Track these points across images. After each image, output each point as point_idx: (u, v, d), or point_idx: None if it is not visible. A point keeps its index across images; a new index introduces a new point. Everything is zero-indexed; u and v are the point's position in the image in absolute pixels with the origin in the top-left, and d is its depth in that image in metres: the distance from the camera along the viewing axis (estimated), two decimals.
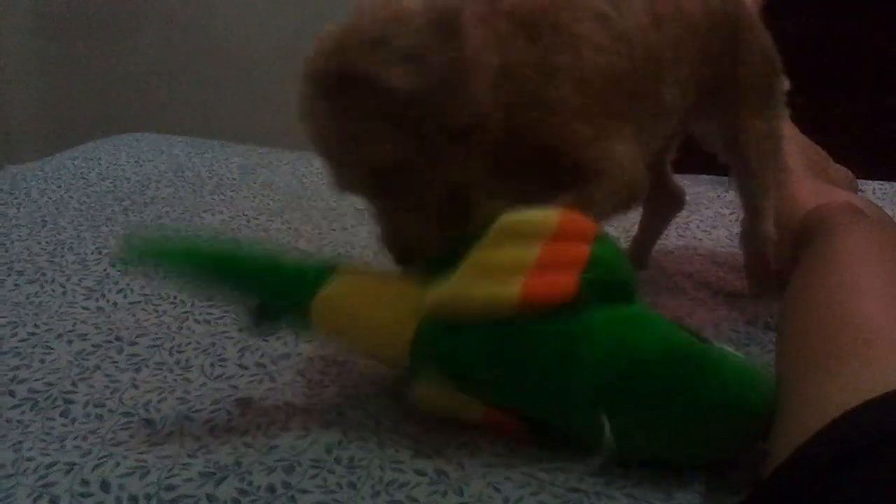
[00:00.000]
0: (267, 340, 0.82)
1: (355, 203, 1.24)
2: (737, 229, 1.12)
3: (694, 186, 1.32)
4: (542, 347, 0.62)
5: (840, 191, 1.09)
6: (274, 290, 0.69)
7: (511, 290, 0.61)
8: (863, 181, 1.31)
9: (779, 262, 0.97)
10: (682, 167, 1.13)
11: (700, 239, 1.14)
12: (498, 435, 0.67)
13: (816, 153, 1.24)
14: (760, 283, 0.95)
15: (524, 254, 0.61)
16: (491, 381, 0.64)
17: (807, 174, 1.15)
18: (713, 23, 0.85)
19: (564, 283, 0.61)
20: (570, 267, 0.62)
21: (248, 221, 1.16)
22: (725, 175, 1.36)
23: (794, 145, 1.23)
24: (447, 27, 0.63)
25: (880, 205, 1.12)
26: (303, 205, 1.23)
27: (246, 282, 0.70)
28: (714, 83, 0.88)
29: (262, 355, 0.80)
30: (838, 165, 1.26)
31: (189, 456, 0.65)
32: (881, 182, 1.35)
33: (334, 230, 1.14)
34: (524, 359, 0.62)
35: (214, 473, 0.62)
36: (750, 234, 0.95)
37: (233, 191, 1.29)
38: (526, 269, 0.61)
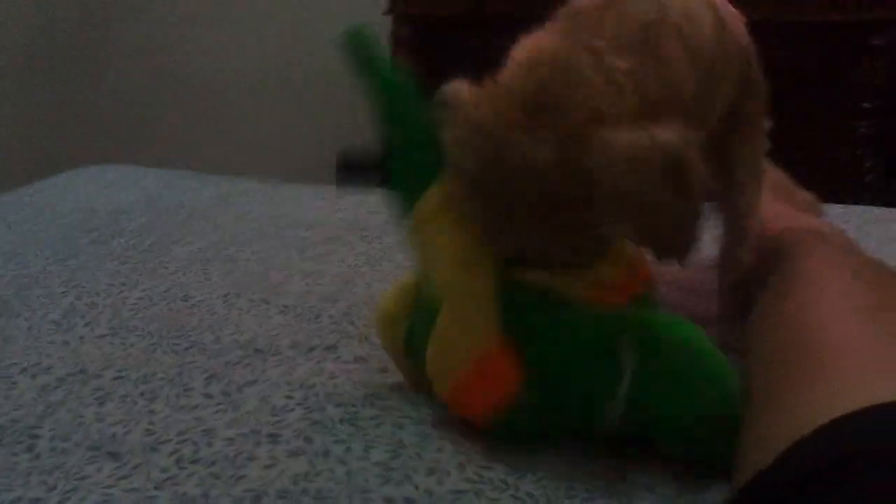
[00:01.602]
0: (233, 369, 0.82)
1: (325, 233, 1.24)
2: (703, 254, 1.13)
3: None
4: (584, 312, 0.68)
5: (804, 215, 1.10)
6: (406, 167, 0.71)
7: (581, 291, 0.68)
8: (827, 205, 1.33)
9: (726, 285, 0.98)
10: None
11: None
12: (469, 409, 0.69)
13: (780, 178, 1.26)
14: (732, 308, 0.96)
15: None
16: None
17: (771, 198, 1.16)
18: (736, 54, 0.86)
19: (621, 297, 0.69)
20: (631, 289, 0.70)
21: (218, 252, 1.15)
22: None
23: None
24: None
25: (843, 228, 1.13)
26: (273, 235, 1.23)
27: (402, 140, 0.71)
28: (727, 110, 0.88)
29: (228, 383, 0.79)
30: (802, 190, 1.27)
31: (156, 488, 0.64)
32: (845, 206, 1.37)
33: (304, 259, 1.14)
34: (566, 319, 0.68)
35: None
36: (729, 258, 0.95)
37: (203, 222, 1.28)
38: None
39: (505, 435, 0.69)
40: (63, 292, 1.01)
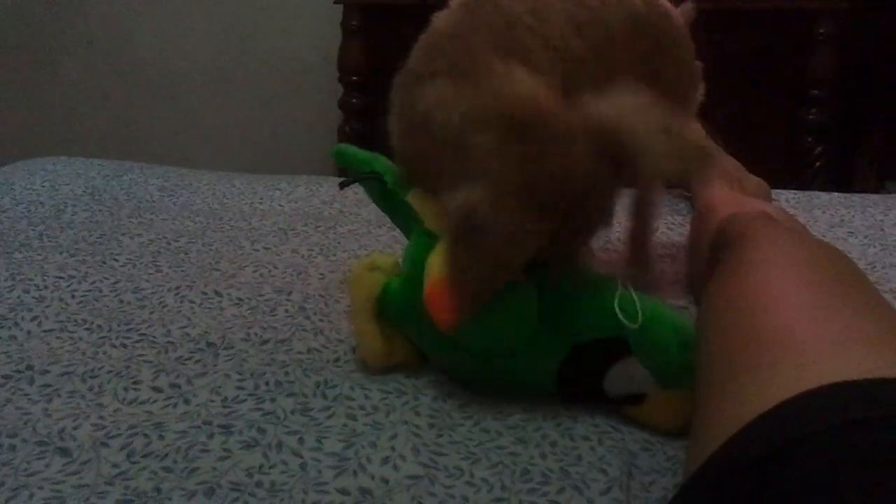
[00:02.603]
0: (185, 364, 0.81)
1: (278, 223, 1.23)
2: (654, 242, 1.15)
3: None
4: None
5: (754, 200, 1.11)
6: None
7: None
8: (777, 191, 1.35)
9: (694, 270, 0.99)
10: None
11: (620, 250, 1.15)
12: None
13: (731, 164, 1.27)
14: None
15: None
16: None
17: (722, 184, 1.18)
18: (637, 33, 0.87)
19: None
20: None
21: (168, 244, 1.14)
22: None
23: None
24: None
25: (793, 212, 1.15)
26: (224, 226, 1.22)
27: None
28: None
29: (178, 376, 0.78)
30: (752, 176, 1.29)
31: (106, 484, 0.63)
32: (794, 192, 1.38)
33: (256, 250, 1.12)
34: None
35: (133, 501, 0.61)
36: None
37: (152, 213, 1.26)
38: None
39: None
40: (10, 286, 0.98)
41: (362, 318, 0.79)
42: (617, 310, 0.71)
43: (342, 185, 0.89)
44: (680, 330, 0.73)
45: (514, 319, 0.73)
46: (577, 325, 0.74)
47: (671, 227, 1.22)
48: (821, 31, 2.04)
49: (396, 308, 0.78)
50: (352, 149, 0.90)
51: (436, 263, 0.73)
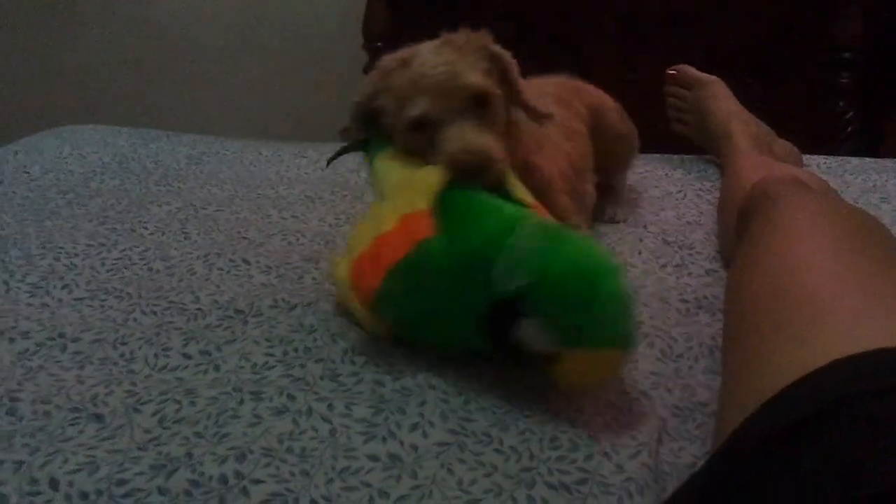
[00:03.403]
0: (214, 331, 0.81)
1: (305, 191, 1.23)
2: (683, 209, 1.14)
3: (642, 166, 1.33)
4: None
5: (784, 164, 1.10)
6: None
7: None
8: (808, 156, 1.33)
9: (724, 235, 0.98)
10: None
11: (649, 217, 1.14)
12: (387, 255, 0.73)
13: (762, 129, 1.26)
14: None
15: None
16: None
17: (752, 149, 1.16)
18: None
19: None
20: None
21: (196, 211, 1.14)
22: (675, 154, 1.37)
23: (741, 122, 1.25)
24: None
25: (825, 177, 1.13)
26: (251, 194, 1.22)
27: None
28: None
29: (207, 343, 0.79)
30: (783, 140, 1.28)
31: (139, 449, 0.64)
32: (825, 157, 1.37)
33: (284, 218, 1.13)
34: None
35: (165, 465, 0.62)
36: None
37: (179, 181, 1.27)
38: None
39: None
40: (41, 254, 0.99)
41: (350, 297, 0.78)
42: (497, 271, 0.67)
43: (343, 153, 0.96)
44: (581, 284, 0.65)
45: (424, 277, 0.72)
46: (483, 283, 0.69)
47: (700, 193, 1.21)
48: None
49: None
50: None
51: (355, 246, 0.77)
